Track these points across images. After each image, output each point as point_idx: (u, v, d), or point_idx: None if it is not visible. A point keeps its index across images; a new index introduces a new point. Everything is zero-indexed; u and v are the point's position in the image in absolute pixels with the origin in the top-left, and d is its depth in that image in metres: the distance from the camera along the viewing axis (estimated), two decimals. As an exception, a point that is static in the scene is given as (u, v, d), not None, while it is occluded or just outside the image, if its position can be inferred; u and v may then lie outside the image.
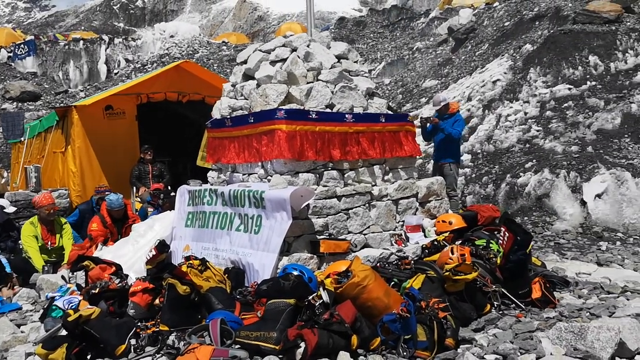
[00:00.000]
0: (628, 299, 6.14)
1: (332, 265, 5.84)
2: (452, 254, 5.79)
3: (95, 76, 41.46)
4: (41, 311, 6.78)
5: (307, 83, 6.86)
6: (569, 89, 17.07)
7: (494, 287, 5.92)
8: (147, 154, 11.82)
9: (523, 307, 5.93)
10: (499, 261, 6.16)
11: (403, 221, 7.19)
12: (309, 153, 6.40)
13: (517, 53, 20.85)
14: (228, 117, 7.14)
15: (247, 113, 6.91)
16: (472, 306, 5.61)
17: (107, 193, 9.85)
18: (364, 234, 6.74)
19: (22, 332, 6.57)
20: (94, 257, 7.11)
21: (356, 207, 6.70)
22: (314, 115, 6.50)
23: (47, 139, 13.65)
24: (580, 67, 17.94)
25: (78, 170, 12.21)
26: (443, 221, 7.23)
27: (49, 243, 8.67)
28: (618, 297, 6.32)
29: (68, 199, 12.39)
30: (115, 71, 41.48)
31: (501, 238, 6.35)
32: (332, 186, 6.57)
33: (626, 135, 14.35)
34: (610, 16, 19.55)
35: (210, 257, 6.51)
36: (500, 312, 5.84)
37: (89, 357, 5.24)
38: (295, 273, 5.32)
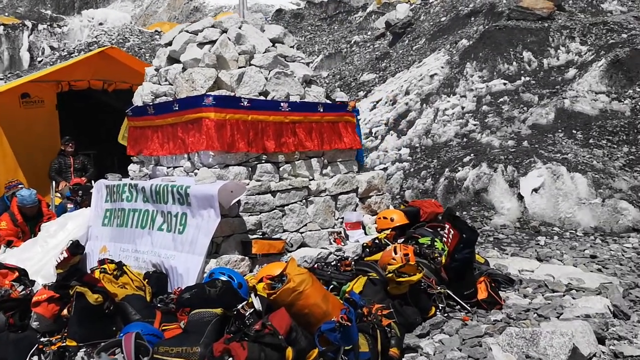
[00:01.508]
0: (574, 298, 5.92)
1: (265, 267, 5.31)
2: (395, 253, 5.37)
3: (17, 64, 39.16)
4: None
5: (239, 68, 6.26)
6: (504, 84, 17.19)
7: (439, 288, 5.55)
8: (69, 146, 10.88)
9: (469, 309, 5.60)
10: (443, 260, 5.79)
11: (342, 218, 6.72)
12: (240, 144, 5.82)
13: (454, 48, 20.90)
14: (151, 104, 6.44)
15: (171, 100, 6.24)
16: (417, 310, 5.22)
17: (20, 187, 8.93)
18: (301, 233, 6.22)
19: None
20: (-7, 262, 6.27)
21: (292, 203, 6.16)
22: (245, 103, 5.92)
23: (-43, 129, 12.50)
24: (514, 63, 18.12)
25: (-10, 163, 11.20)
26: (384, 217, 6.81)
27: (-45, 242, 7.72)
28: (564, 295, 6.11)
29: (-21, 195, 11.34)
30: (39, 59, 39.33)
31: (445, 235, 5.99)
32: (266, 180, 6.01)
33: (560, 130, 14.51)
34: (543, 13, 19.85)
35: (129, 259, 5.85)
36: (446, 314, 5.48)
37: (-19, 379, 4.52)
38: (223, 278, 4.73)
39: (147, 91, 6.53)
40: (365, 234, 6.74)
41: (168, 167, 6.39)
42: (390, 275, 5.17)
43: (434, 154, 14.84)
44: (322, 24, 37.29)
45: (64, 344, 4.72)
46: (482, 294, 5.69)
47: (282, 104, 6.23)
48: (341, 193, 6.75)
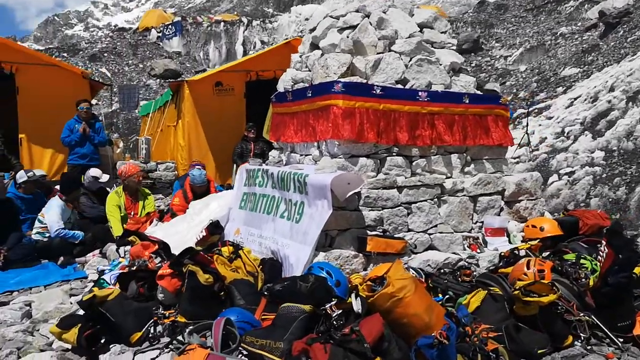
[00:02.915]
0: None
1: (376, 268, 4.92)
2: (528, 268, 4.64)
3: (232, 57, 42.98)
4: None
5: (378, 54, 5.90)
6: None
7: (580, 315, 4.65)
8: (251, 132, 11.64)
9: (619, 344, 4.60)
10: (591, 283, 4.85)
11: (482, 222, 6.02)
12: (369, 134, 5.47)
13: (678, 38, 17.97)
14: (290, 90, 6.40)
15: (307, 86, 6.12)
16: (546, 336, 4.40)
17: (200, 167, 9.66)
18: (429, 234, 5.68)
19: (70, 303, 6.40)
20: (140, 233, 6.76)
21: (421, 201, 5.65)
22: (378, 91, 5.55)
23: (164, 112, 14.03)
24: None
25: (186, 144, 12.38)
26: (533, 226, 5.94)
27: (132, 213, 8.58)
28: None
29: (175, 172, 12.56)
30: (251, 52, 42.60)
31: (601, 254, 5.01)
32: (393, 175, 5.59)
33: None
34: None
35: (254, 244, 5.87)
36: (589, 347, 4.57)
37: (102, 341, 4.83)
38: (321, 274, 4.46)
39: (288, 77, 6.51)
40: (510, 242, 5.97)
41: (300, 155, 6.31)
42: (516, 292, 4.45)
43: (633, 159, 12.84)
44: (527, 15, 34.81)
45: (176, 318, 4.85)
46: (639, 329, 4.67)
47: (419, 93, 5.74)
48: (482, 194, 6.03)
